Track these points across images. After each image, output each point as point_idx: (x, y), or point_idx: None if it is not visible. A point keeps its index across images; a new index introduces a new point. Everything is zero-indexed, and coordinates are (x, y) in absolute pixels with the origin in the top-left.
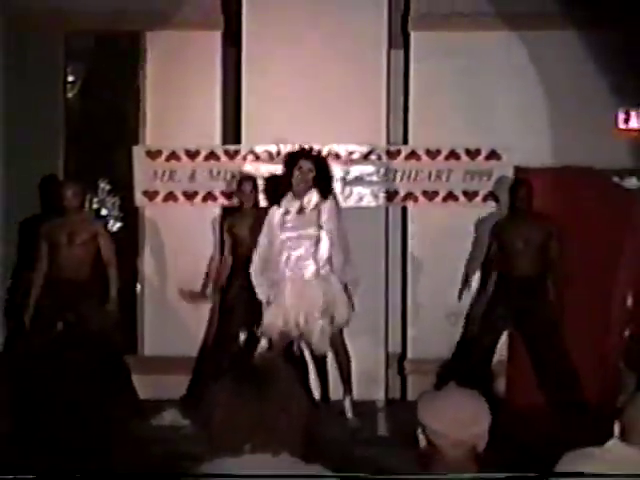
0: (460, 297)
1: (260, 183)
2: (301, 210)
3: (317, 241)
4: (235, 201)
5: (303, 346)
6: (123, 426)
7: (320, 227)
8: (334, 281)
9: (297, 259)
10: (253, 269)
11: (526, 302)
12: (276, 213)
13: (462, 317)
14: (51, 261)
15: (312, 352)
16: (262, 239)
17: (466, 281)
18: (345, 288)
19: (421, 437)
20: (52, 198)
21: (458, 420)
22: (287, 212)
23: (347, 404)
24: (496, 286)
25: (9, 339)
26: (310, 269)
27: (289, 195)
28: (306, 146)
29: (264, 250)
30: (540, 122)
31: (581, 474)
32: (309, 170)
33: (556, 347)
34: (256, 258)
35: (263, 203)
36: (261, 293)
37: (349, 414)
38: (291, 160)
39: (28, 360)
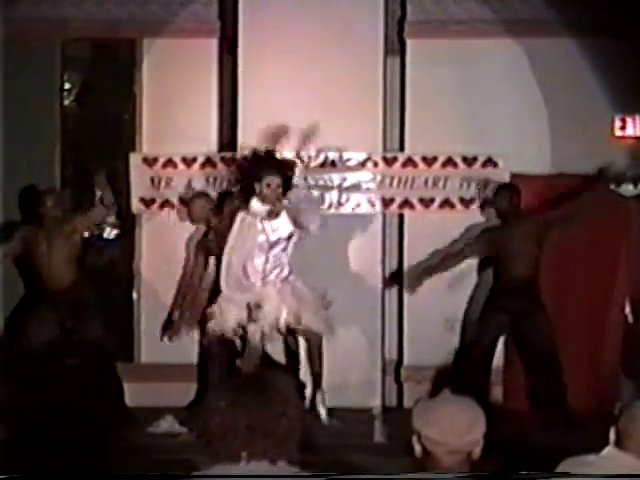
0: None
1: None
2: (271, 216)
3: (285, 247)
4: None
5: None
6: (116, 434)
7: (291, 232)
8: (300, 285)
9: (268, 264)
10: (227, 275)
11: (520, 306)
12: (246, 219)
13: (459, 323)
14: (38, 271)
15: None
16: (233, 245)
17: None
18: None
19: (416, 445)
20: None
21: (453, 428)
22: (256, 218)
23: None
24: (490, 291)
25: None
26: (282, 273)
27: (256, 201)
28: (269, 155)
29: (238, 256)
30: (537, 129)
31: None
32: (277, 186)
33: (548, 353)
34: (229, 264)
35: None
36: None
37: (322, 412)
38: (257, 173)
39: (21, 364)
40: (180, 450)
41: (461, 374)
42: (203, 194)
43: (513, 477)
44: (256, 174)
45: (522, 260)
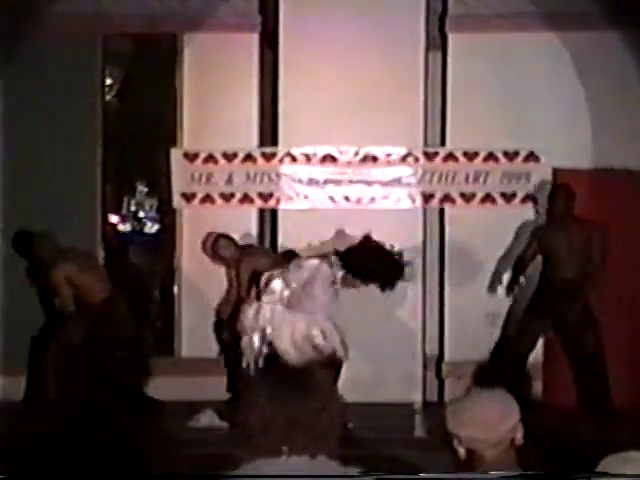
0: (492, 290)
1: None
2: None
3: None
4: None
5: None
6: (151, 427)
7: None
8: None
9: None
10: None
11: (566, 306)
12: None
13: (499, 318)
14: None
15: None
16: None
17: (497, 276)
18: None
19: (459, 447)
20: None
21: (488, 423)
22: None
23: None
24: (537, 289)
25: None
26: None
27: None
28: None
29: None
30: (578, 124)
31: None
32: None
33: (593, 354)
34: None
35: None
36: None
37: None
38: (389, 282)
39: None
40: (220, 444)
41: (498, 369)
42: (225, 235)
43: (552, 477)
44: (389, 282)
45: (572, 263)
